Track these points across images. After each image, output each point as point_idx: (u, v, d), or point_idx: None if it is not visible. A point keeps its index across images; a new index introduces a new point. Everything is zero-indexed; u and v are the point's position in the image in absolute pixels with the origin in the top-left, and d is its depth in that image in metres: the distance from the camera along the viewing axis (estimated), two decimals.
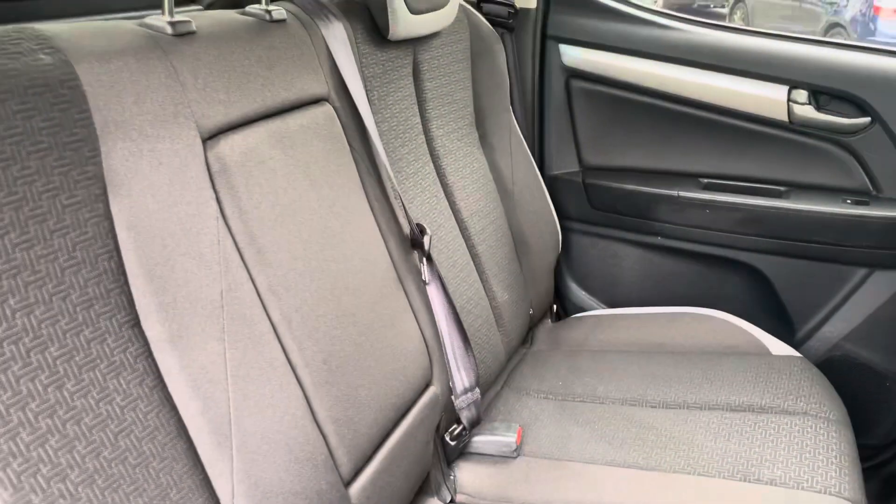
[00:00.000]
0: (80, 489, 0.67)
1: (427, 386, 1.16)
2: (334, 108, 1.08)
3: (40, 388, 0.66)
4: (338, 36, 1.11)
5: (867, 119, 1.55)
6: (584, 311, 1.87)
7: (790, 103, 1.59)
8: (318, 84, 1.05)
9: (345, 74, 1.09)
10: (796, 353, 1.53)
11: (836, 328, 1.68)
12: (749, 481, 1.15)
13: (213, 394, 0.80)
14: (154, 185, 0.77)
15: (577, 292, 1.93)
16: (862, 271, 1.63)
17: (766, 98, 1.61)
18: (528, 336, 1.73)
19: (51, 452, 0.65)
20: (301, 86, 1.01)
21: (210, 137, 0.85)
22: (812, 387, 1.40)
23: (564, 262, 1.90)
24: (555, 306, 1.91)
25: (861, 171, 1.58)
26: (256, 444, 0.82)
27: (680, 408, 1.38)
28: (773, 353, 1.54)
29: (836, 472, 1.16)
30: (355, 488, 0.96)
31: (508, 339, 1.54)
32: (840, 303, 1.67)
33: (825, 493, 1.12)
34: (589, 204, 1.83)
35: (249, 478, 0.81)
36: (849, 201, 1.59)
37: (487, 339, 1.44)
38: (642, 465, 1.22)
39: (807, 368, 1.47)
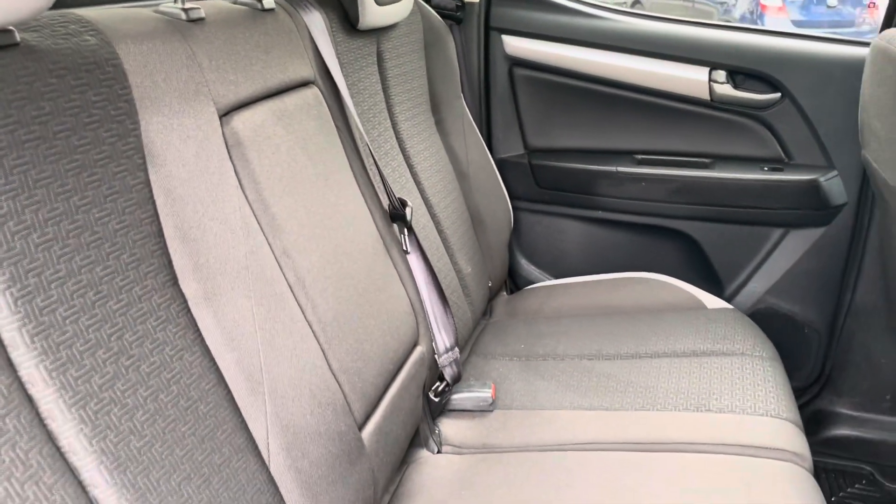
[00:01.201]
0: (145, 427, 0.74)
1: (415, 345, 1.26)
2: (320, 90, 1.17)
3: (105, 336, 0.72)
4: (317, 25, 1.19)
5: (778, 95, 1.74)
6: (535, 283, 2.01)
7: (711, 83, 1.78)
8: (306, 68, 1.13)
9: (326, 60, 1.18)
10: (729, 306, 1.72)
11: (760, 283, 1.88)
12: (701, 411, 1.31)
13: (246, 346, 0.88)
14: (184, 156, 0.85)
15: (527, 267, 2.06)
16: (779, 231, 1.84)
17: (690, 79, 1.78)
18: (487, 308, 1.86)
19: (118, 394, 0.72)
20: (293, 69, 1.09)
21: (225, 114, 0.93)
22: (745, 332, 1.57)
23: (514, 239, 2.03)
24: (507, 281, 2.03)
25: (775, 141, 1.78)
26: (285, 390, 0.91)
27: (633, 358, 1.52)
28: (709, 306, 1.71)
29: (774, 399, 1.33)
30: (366, 432, 1.05)
31: (474, 309, 1.66)
32: (762, 260, 1.86)
33: (767, 415, 1.28)
34: (535, 184, 1.97)
35: (280, 420, 0.89)
36: (765, 169, 1.78)
37: (457, 308, 1.55)
38: (606, 406, 1.36)
39: (739, 318, 1.65)
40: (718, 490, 1.10)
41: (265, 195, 0.96)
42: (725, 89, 1.78)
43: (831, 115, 1.70)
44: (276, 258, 0.95)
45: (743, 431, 1.24)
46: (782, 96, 1.74)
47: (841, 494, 1.76)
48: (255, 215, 0.94)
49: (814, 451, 1.86)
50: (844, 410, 1.91)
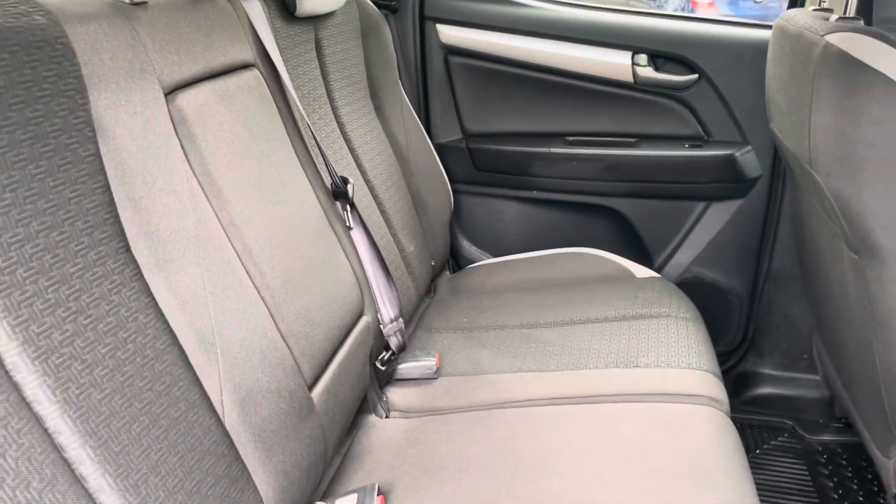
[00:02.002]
0: (104, 381, 0.79)
1: (361, 314, 1.33)
2: (261, 73, 1.22)
3: (63, 296, 0.77)
4: (256, 11, 1.25)
5: (695, 76, 1.87)
6: (476, 262, 2.09)
7: (634, 66, 1.89)
8: (246, 52, 1.19)
9: (266, 45, 1.24)
10: (656, 275, 1.83)
11: (686, 254, 2.00)
12: (630, 367, 1.41)
13: (197, 309, 0.93)
14: (132, 131, 0.90)
15: (468, 247, 2.15)
16: (701, 204, 1.96)
17: (615, 63, 1.89)
18: (430, 286, 1.93)
19: (78, 350, 0.77)
20: (234, 52, 1.15)
21: (170, 92, 0.98)
22: (670, 297, 1.68)
23: (455, 221, 2.12)
24: (449, 261, 2.12)
25: (694, 119, 1.91)
26: (236, 350, 0.97)
27: (567, 324, 1.62)
28: (638, 276, 1.83)
29: (695, 353, 1.44)
30: (316, 392, 1.11)
31: (417, 286, 1.73)
32: (687, 232, 1.99)
33: (689, 368, 1.39)
34: (473, 167, 2.05)
35: (233, 378, 0.95)
36: (687, 146, 1.91)
37: (401, 284, 1.62)
38: (543, 368, 1.45)
39: (665, 285, 1.76)
40: (644, 433, 1.19)
41: (211, 169, 1.01)
42: (647, 72, 1.89)
43: (744, 94, 1.83)
44: (223, 228, 1.01)
45: (666, 382, 1.34)
46: (699, 77, 1.86)
47: (765, 447, 1.90)
48: (202, 188, 0.99)
49: (740, 410, 2.00)
50: (767, 371, 2.05)
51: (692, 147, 1.90)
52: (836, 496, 1.71)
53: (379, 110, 1.79)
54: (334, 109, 1.57)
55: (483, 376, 1.46)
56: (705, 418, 1.24)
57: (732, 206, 1.93)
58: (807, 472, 1.81)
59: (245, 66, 1.18)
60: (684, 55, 1.86)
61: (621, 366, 1.42)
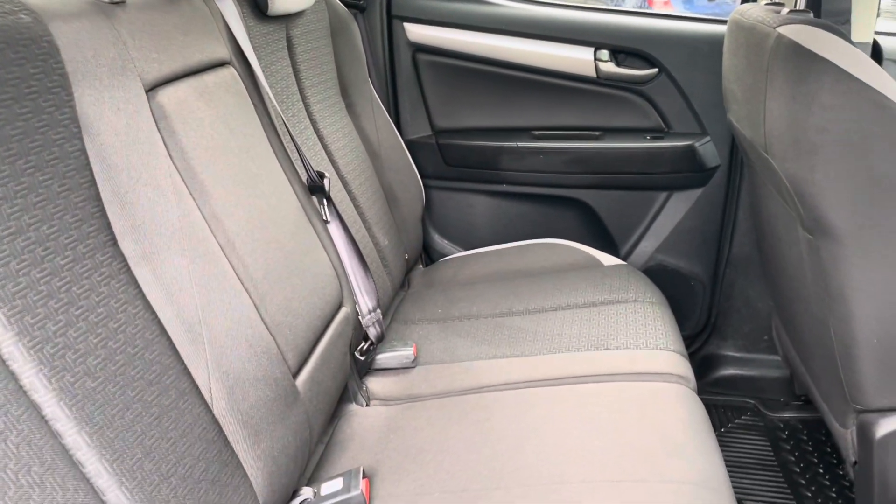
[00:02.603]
0: (98, 370, 0.81)
1: (340, 306, 1.36)
2: (236, 70, 1.25)
3: (55, 288, 0.79)
4: (229, 10, 1.27)
5: (655, 70, 1.93)
6: (447, 255, 2.13)
7: (596, 62, 1.95)
8: (222, 50, 1.21)
9: (241, 43, 1.27)
10: (622, 262, 1.89)
11: (650, 243, 2.07)
12: (600, 350, 1.46)
13: (184, 300, 0.95)
14: (116, 126, 0.92)
15: (440, 241, 2.19)
16: (664, 194, 2.03)
17: (578, 59, 1.95)
18: (405, 280, 1.97)
19: (71, 340, 0.79)
20: (210, 50, 1.17)
21: (150, 89, 1.00)
22: (637, 283, 1.75)
23: (427, 216, 2.15)
24: (422, 255, 2.15)
25: (655, 112, 1.97)
26: (223, 339, 0.99)
27: (539, 312, 1.67)
28: (605, 264, 1.88)
29: (662, 335, 1.50)
30: (300, 380, 1.14)
31: (392, 279, 1.77)
32: (650, 221, 2.06)
33: (656, 348, 1.45)
34: (443, 162, 2.10)
35: (221, 367, 0.98)
36: (648, 138, 1.97)
37: (377, 277, 1.65)
38: (518, 354, 1.50)
39: (631, 271, 1.82)
40: (617, 410, 1.25)
41: (193, 164, 1.03)
42: (609, 67, 1.95)
43: (702, 87, 1.91)
44: (206, 221, 1.03)
45: (636, 362, 1.40)
46: (659, 71, 1.93)
47: (730, 425, 1.97)
48: (184, 182, 1.01)
49: (706, 391, 2.07)
50: (730, 353, 2.13)
51: (654, 139, 1.97)
52: (797, 469, 1.79)
53: (350, 108, 1.82)
54: (307, 107, 1.60)
55: (459, 364, 1.50)
56: (674, 395, 1.29)
57: (693, 195, 2.00)
58: (770, 448, 1.88)
59: (221, 64, 1.20)
60: (644, 50, 1.92)
61: (592, 349, 1.47)
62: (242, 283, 1.06)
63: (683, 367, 1.41)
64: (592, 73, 1.95)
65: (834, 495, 1.70)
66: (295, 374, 1.14)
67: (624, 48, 1.94)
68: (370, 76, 1.96)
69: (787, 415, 1.99)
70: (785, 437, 1.92)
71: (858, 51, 1.15)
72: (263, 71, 1.41)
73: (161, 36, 1.05)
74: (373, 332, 1.46)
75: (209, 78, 1.14)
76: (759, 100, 1.29)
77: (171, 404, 0.89)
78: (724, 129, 1.92)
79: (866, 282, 1.22)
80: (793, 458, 1.83)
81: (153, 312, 0.91)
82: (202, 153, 1.06)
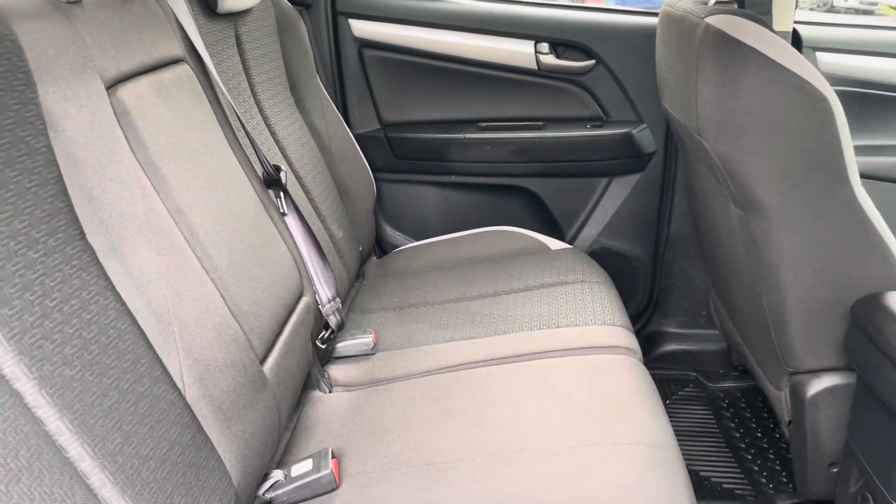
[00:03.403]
0: (75, 359, 0.83)
1: (301, 295, 1.39)
2: (190, 67, 1.27)
3: (30, 280, 0.81)
4: (180, 8, 1.29)
5: (593, 62, 2.02)
6: (400, 246, 2.18)
7: (537, 54, 2.02)
8: (176, 47, 1.23)
9: (193, 41, 1.29)
10: (569, 246, 1.97)
11: (593, 227, 2.16)
12: (551, 328, 1.53)
13: (153, 291, 0.98)
14: (79, 123, 0.94)
15: (392, 233, 2.24)
16: (605, 180, 2.12)
17: (519, 52, 2.02)
18: (360, 271, 2.01)
19: (48, 331, 0.82)
20: (165, 48, 1.19)
21: (110, 86, 1.02)
22: (583, 265, 1.83)
23: (378, 208, 2.20)
24: (375, 247, 2.20)
25: (594, 102, 2.06)
26: (192, 328, 1.02)
27: (492, 296, 1.74)
28: (553, 248, 1.96)
29: (609, 311, 1.58)
30: (267, 367, 1.18)
31: (349, 270, 1.81)
32: (593, 207, 2.15)
33: (604, 324, 1.53)
34: (393, 155, 2.14)
35: (191, 354, 1.01)
36: (589, 126, 2.06)
37: (333, 269, 1.69)
38: (474, 336, 1.56)
39: (578, 254, 1.90)
40: (570, 382, 1.32)
41: (154, 159, 1.06)
42: (549, 59, 2.03)
43: (637, 76, 2.00)
44: (170, 215, 1.06)
45: (586, 337, 1.47)
46: (597, 63, 2.02)
47: (674, 397, 2.08)
48: (147, 177, 1.04)
49: (650, 366, 2.15)
50: (671, 329, 2.24)
51: (593, 127, 2.05)
52: (738, 434, 1.91)
53: (299, 103, 1.85)
54: (258, 103, 1.63)
55: (418, 348, 1.55)
56: (621, 365, 1.38)
57: (632, 180, 2.10)
58: (712, 417, 1.99)
59: (176, 61, 1.22)
60: (582, 42, 2.00)
61: (544, 327, 1.54)
62: (208, 274, 1.09)
63: (629, 339, 1.49)
64: (534, 66, 2.03)
65: (772, 456, 1.81)
66: (262, 361, 1.17)
67: (563, 41, 2.02)
68: (318, 72, 1.99)
69: (726, 385, 2.11)
70: (725, 405, 2.03)
71: (779, 38, 1.24)
72: (215, 68, 1.43)
73: (118, 34, 1.06)
74: (333, 321, 1.50)
75: (165, 75, 1.17)
76: (691, 86, 1.38)
77: (145, 391, 0.92)
78: (659, 117, 2.02)
79: (793, 252, 1.32)
80: (733, 425, 1.95)
81: (124, 303, 0.94)
82: (163, 148, 1.09)
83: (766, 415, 1.97)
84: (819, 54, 2.01)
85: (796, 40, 2.00)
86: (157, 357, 0.96)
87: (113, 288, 0.93)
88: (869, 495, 1.28)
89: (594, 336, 1.48)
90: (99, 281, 0.91)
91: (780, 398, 1.49)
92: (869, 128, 1.99)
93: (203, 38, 1.37)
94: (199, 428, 0.99)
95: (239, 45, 1.58)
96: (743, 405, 2.02)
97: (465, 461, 1.16)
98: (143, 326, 0.96)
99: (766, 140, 1.26)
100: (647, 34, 1.94)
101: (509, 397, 1.30)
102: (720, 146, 1.32)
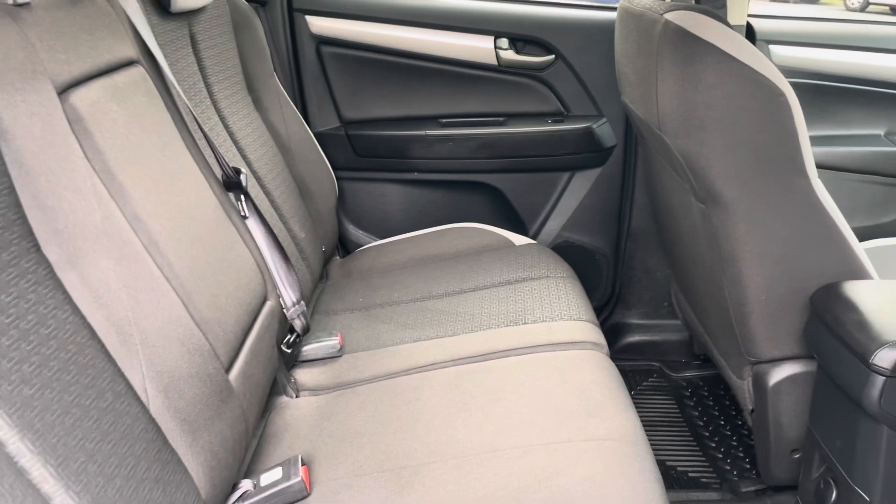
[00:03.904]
0: (34, 377, 0.80)
1: (265, 300, 1.37)
2: (145, 69, 1.23)
3: None
4: (133, 7, 1.25)
5: (552, 56, 2.02)
6: (363, 245, 2.16)
7: (497, 50, 2.02)
8: (129, 49, 1.20)
9: (146, 41, 1.25)
10: (533, 241, 1.98)
11: (556, 222, 2.17)
12: (519, 325, 1.54)
13: (113, 302, 0.95)
14: (31, 131, 0.90)
15: (355, 231, 2.21)
16: (566, 174, 2.13)
17: (479, 47, 2.02)
18: (323, 272, 1.98)
19: (4, 348, 0.78)
20: (118, 49, 1.15)
21: (62, 91, 0.98)
22: (547, 260, 1.84)
23: (340, 207, 2.17)
24: (338, 246, 2.17)
25: (554, 97, 2.07)
26: (155, 340, 0.99)
27: (458, 294, 1.73)
28: (517, 244, 1.97)
29: (574, 306, 1.59)
30: (232, 375, 1.15)
31: (312, 271, 1.78)
32: (555, 201, 2.16)
33: (570, 319, 1.54)
34: (354, 153, 2.12)
35: (154, 366, 0.98)
36: (550, 121, 2.07)
37: (297, 270, 1.67)
38: (441, 335, 1.55)
39: (542, 249, 1.91)
40: (539, 379, 1.32)
41: (110, 165, 1.02)
42: (509, 55, 2.03)
43: (596, 71, 2.01)
44: (128, 222, 1.03)
45: (553, 333, 1.48)
46: (556, 58, 2.02)
47: (639, 388, 2.10)
48: (103, 184, 1.00)
49: (614, 358, 2.18)
50: (634, 321, 2.27)
51: (554, 122, 2.06)
52: (701, 423, 1.94)
53: (257, 102, 1.81)
54: (215, 103, 1.59)
55: (385, 349, 1.54)
56: (589, 360, 1.38)
57: (593, 174, 2.11)
58: (676, 407, 2.03)
59: (130, 63, 1.18)
60: (541, 37, 2.01)
61: (511, 324, 1.54)
62: (169, 282, 1.06)
63: (596, 334, 1.50)
64: (494, 61, 2.02)
65: (735, 443, 1.85)
66: (227, 370, 1.15)
67: (522, 36, 2.02)
68: (275, 70, 1.95)
69: (688, 374, 2.14)
70: (688, 394, 2.07)
71: (736, 33, 1.26)
72: (170, 68, 1.39)
73: (68, 37, 1.03)
74: (298, 325, 1.48)
75: (119, 78, 1.13)
76: (651, 82, 1.39)
77: (108, 406, 0.89)
78: (618, 111, 2.04)
79: (753, 245, 1.34)
80: (696, 413, 1.98)
81: (82, 317, 0.91)
82: (119, 154, 1.05)
83: (727, 403, 2.01)
84: (772, 47, 2.05)
85: (750, 34, 2.04)
86: (119, 370, 0.94)
87: (71, 301, 0.90)
88: (831, 481, 1.32)
89: (561, 332, 1.49)
90: (56, 294, 0.88)
91: (743, 387, 1.52)
92: (820, 119, 2.04)
93: (157, 39, 1.33)
94: (165, 442, 0.97)
95: (194, 44, 1.54)
96: (705, 393, 2.06)
97: (438, 463, 1.15)
98: (103, 339, 0.93)
99: (726, 135, 1.27)
100: (606, 29, 1.95)
101: (479, 396, 1.30)
102: (681, 141, 1.34)
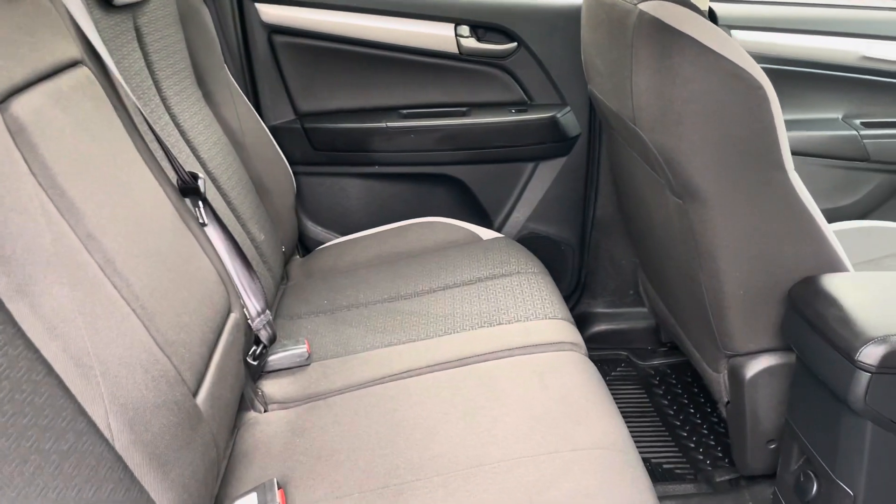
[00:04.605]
0: None
1: (229, 313, 1.29)
2: (90, 70, 1.13)
3: None
4: (74, 4, 1.15)
5: (514, 44, 1.97)
6: (324, 243, 2.08)
7: (457, 38, 1.95)
8: (72, 48, 1.09)
9: (90, 39, 1.15)
10: (500, 235, 1.94)
11: (521, 213, 2.13)
12: (493, 325, 1.49)
13: (69, 332, 0.87)
14: None
15: (314, 228, 2.13)
16: (531, 165, 2.09)
17: (439, 35, 1.95)
18: (283, 273, 1.90)
19: None
20: (60, 50, 1.05)
21: (2, 101, 0.89)
22: (517, 254, 1.80)
23: (299, 203, 2.09)
24: (297, 245, 2.09)
25: (517, 86, 2.02)
26: (117, 370, 0.91)
27: (428, 293, 1.68)
28: (484, 238, 1.92)
29: (549, 304, 1.55)
30: (200, 399, 1.08)
31: (273, 274, 1.71)
32: (520, 192, 2.12)
33: (546, 318, 1.50)
34: (311, 147, 2.03)
35: (118, 399, 0.90)
36: (513, 111, 2.02)
37: (259, 275, 1.59)
38: (413, 338, 1.50)
39: (510, 243, 1.87)
40: (520, 385, 1.28)
41: (59, 181, 0.93)
42: (470, 42, 1.97)
43: (560, 59, 1.97)
44: (81, 242, 0.94)
45: (529, 334, 1.44)
46: (518, 46, 1.97)
47: (608, 378, 2.09)
48: (52, 202, 0.91)
49: None
50: (600, 309, 2.25)
51: (518, 112, 2.01)
52: (672, 412, 1.94)
53: (208, 97, 1.71)
54: (164, 101, 1.49)
55: (356, 356, 1.48)
56: (569, 362, 1.35)
57: (558, 163, 2.08)
58: (645, 395, 2.02)
59: (74, 64, 1.08)
60: (503, 24, 1.95)
61: (486, 325, 1.50)
62: (129, 305, 0.98)
63: (572, 333, 1.47)
64: (455, 50, 1.96)
65: (706, 431, 1.86)
66: (195, 393, 1.07)
67: (483, 23, 1.96)
68: (225, 62, 1.85)
69: (655, 362, 2.14)
70: (657, 382, 2.07)
71: (713, 24, 1.23)
72: (116, 66, 1.29)
73: (7, 40, 0.93)
74: (264, 335, 1.40)
75: (63, 81, 1.03)
76: (625, 74, 1.35)
77: (70, 448, 0.81)
78: (582, 99, 2.00)
79: (731, 239, 1.32)
80: (666, 402, 1.98)
81: (36, 351, 0.82)
82: (67, 166, 0.96)
83: (696, 390, 2.02)
84: (734, 32, 2.04)
85: (712, 19, 2.02)
86: (80, 407, 0.86)
87: (23, 335, 0.81)
88: (811, 473, 1.32)
89: (538, 332, 1.45)
90: (6, 329, 0.79)
91: (719, 380, 1.51)
92: (786, 104, 2.04)
93: (101, 35, 1.23)
94: (133, 480, 0.89)
95: (139, 38, 1.43)
96: (673, 381, 2.06)
97: (422, 480, 1.10)
98: (60, 374, 0.85)
99: (704, 129, 1.25)
100: (569, 16, 1.91)
101: (460, 406, 1.25)
102: (658, 136, 1.31)
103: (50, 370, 0.83)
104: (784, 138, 1.25)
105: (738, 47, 1.21)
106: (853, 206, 2.12)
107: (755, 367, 1.42)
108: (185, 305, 1.12)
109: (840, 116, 2.11)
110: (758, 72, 1.21)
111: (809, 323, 1.26)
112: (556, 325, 1.48)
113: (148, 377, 0.96)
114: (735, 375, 1.45)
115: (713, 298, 1.40)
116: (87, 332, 0.89)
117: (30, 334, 0.82)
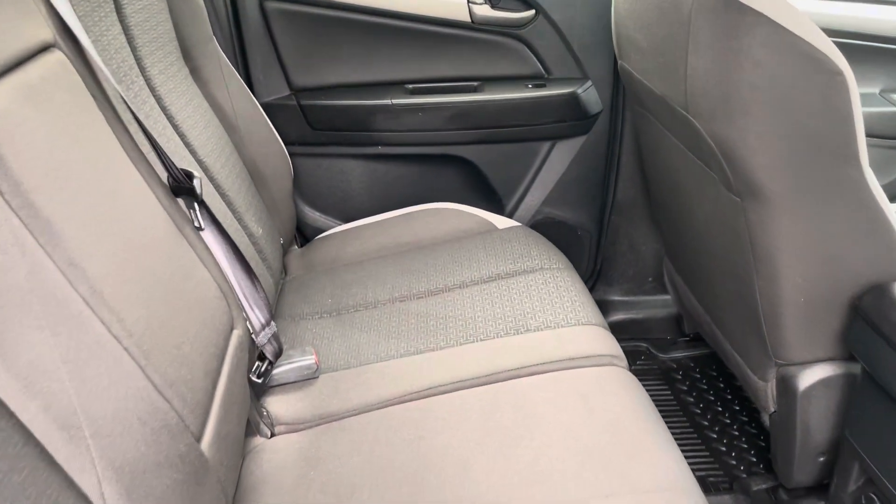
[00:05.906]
0: None
1: (232, 330, 1.13)
2: (64, 54, 0.95)
3: None
4: None
5: (532, 12, 1.79)
6: (325, 231, 1.92)
7: (470, 4, 1.77)
8: (43, 29, 0.91)
9: (64, 16, 0.96)
10: (516, 223, 1.78)
11: (536, 196, 1.98)
12: (521, 333, 1.35)
13: (51, 387, 0.71)
14: None
15: (312, 214, 1.96)
16: (547, 144, 1.93)
17: (449, 2, 1.76)
18: (281, 267, 1.74)
19: None
20: (30, 32, 0.87)
21: None
22: (538, 247, 1.65)
23: (296, 188, 1.91)
24: (295, 234, 1.92)
25: (535, 58, 1.84)
26: (110, 427, 0.76)
27: (444, 292, 1.53)
28: (500, 227, 1.77)
29: (580, 306, 1.41)
30: (205, 443, 0.93)
31: (273, 273, 1.54)
32: (535, 174, 1.96)
33: (578, 324, 1.36)
34: (308, 126, 1.85)
35: (112, 463, 0.75)
36: (530, 86, 1.84)
37: (258, 275, 1.42)
38: (433, 347, 1.35)
39: (529, 234, 1.72)
40: (560, 409, 1.15)
41: (32, 198, 0.76)
42: (484, 10, 1.78)
43: (582, 29, 1.79)
44: (62, 273, 0.77)
45: (564, 345, 1.30)
46: (536, 13, 1.79)
47: None
48: (25, 226, 0.74)
49: None
50: (617, 297, 2.12)
51: (535, 87, 1.84)
52: (698, 410, 1.83)
53: (195, 73, 1.52)
54: (148, 81, 1.30)
55: (370, 366, 1.33)
56: (613, 380, 1.22)
57: (577, 143, 1.92)
58: (668, 391, 1.91)
59: (45, 48, 0.90)
60: None
61: (512, 332, 1.36)
62: (121, 343, 0.82)
63: (611, 343, 1.34)
64: (467, 18, 1.77)
65: (736, 433, 1.75)
66: (199, 438, 0.92)
67: None
68: (214, 34, 1.65)
69: (678, 354, 2.02)
70: (679, 377, 1.95)
71: (788, 1, 1.07)
72: (93, 44, 1.10)
73: None
74: (269, 350, 1.25)
75: (33, 71, 0.85)
76: (679, 55, 1.19)
77: None
78: (604, 73, 1.84)
79: (794, 242, 1.19)
80: (691, 400, 1.87)
81: (12, 416, 0.67)
82: (42, 180, 0.79)
83: (722, 386, 1.91)
84: None
85: None
86: (68, 478, 0.70)
87: None
88: (874, 496, 1.21)
89: (572, 342, 1.31)
90: None
91: (766, 389, 1.39)
92: None
93: (76, 9, 1.04)
94: None
95: (119, 10, 1.24)
96: (697, 375, 1.95)
97: None
98: (41, 440, 0.69)
99: (774, 120, 1.10)
100: None
101: (495, 434, 1.11)
102: (717, 126, 1.15)
103: (29, 437, 0.67)
104: (861, 131, 1.11)
105: (815, 27, 1.05)
106: (888, 189, 1.99)
107: (810, 377, 1.30)
108: (184, 333, 0.96)
109: (878, 91, 1.96)
110: (837, 55, 1.05)
111: (879, 332, 1.13)
112: (592, 334, 1.34)
113: (146, 430, 0.81)
114: (786, 385, 1.33)
115: (768, 305, 1.26)
116: (72, 384, 0.73)
117: (3, 395, 0.66)
